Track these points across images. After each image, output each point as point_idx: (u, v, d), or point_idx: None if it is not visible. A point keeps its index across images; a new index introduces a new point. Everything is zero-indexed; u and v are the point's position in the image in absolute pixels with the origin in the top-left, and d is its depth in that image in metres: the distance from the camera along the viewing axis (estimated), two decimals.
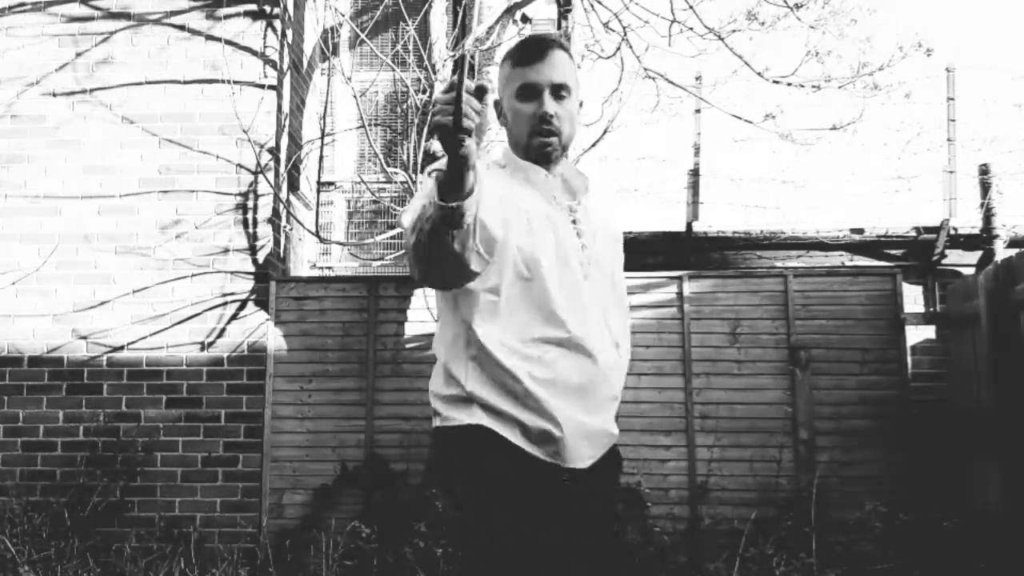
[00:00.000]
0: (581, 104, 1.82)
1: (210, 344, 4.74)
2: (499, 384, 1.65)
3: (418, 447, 4.53)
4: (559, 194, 1.77)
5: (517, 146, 1.76)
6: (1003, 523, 4.02)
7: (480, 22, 4.40)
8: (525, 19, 4.73)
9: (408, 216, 1.55)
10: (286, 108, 5.03)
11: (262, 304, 4.77)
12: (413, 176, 4.11)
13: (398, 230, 4.66)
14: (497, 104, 1.82)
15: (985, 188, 5.02)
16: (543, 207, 1.72)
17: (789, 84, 4.59)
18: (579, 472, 1.68)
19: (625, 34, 4.73)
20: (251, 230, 4.82)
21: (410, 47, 4.71)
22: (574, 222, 1.74)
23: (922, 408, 4.52)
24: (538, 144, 1.71)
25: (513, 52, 1.74)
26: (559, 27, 5.45)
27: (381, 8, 5.16)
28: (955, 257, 5.04)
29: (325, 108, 5.30)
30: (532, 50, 1.70)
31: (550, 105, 1.68)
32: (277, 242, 4.92)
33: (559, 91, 1.69)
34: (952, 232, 4.98)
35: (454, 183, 1.39)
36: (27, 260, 4.83)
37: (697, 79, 5.41)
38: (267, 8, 4.96)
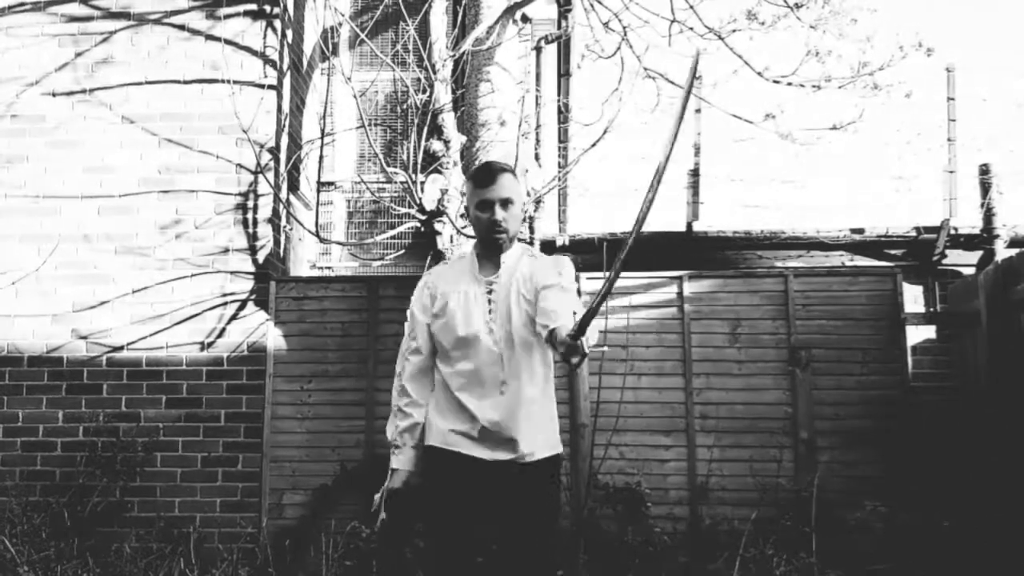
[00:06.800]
0: (524, 207, 2.84)
1: (210, 344, 4.74)
2: None
3: None
4: (481, 275, 2.47)
5: (481, 239, 2.47)
6: (1003, 522, 4.02)
7: (480, 22, 4.39)
8: (525, 19, 4.72)
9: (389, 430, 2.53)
10: (286, 108, 5.03)
11: (262, 304, 4.77)
12: (413, 176, 4.11)
13: (398, 230, 4.65)
14: (466, 209, 2.77)
15: (985, 188, 5.01)
16: (470, 287, 2.45)
17: (789, 84, 4.58)
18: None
19: (625, 34, 4.72)
20: (251, 230, 4.82)
21: (410, 47, 4.71)
22: (490, 292, 2.42)
23: (922, 408, 4.52)
24: (493, 239, 2.44)
25: (473, 176, 2.45)
26: (559, 27, 5.45)
27: (381, 8, 5.16)
28: (955, 257, 5.04)
29: (325, 108, 5.30)
30: (486, 176, 2.41)
31: (499, 214, 2.40)
32: (277, 242, 4.92)
33: (506, 203, 2.41)
34: (952, 232, 4.97)
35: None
36: (27, 260, 4.83)
37: (697, 79, 5.40)
38: (267, 8, 4.96)
